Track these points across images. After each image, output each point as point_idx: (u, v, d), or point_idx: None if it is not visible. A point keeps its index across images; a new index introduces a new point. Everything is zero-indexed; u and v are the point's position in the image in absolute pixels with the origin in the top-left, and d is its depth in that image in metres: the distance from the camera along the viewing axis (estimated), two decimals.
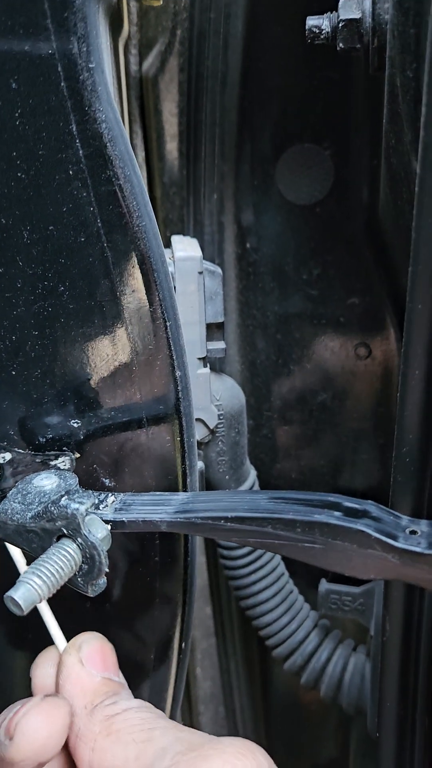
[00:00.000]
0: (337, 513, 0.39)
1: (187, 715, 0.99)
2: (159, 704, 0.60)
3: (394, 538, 0.38)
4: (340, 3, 0.47)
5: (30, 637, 0.52)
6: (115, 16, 0.55)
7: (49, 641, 0.45)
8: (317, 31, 0.48)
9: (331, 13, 0.48)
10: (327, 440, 0.72)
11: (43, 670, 0.44)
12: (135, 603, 0.56)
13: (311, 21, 0.48)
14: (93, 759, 0.39)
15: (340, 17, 0.46)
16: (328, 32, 0.48)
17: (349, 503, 0.40)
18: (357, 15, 0.46)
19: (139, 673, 0.58)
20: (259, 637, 0.75)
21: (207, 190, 0.66)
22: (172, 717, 0.62)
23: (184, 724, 0.98)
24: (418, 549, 0.37)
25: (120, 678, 0.45)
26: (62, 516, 0.40)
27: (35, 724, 0.38)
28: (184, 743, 0.37)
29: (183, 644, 0.60)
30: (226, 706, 0.97)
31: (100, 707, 0.41)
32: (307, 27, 0.48)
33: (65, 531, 0.41)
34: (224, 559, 0.71)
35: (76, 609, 0.52)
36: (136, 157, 0.74)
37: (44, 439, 0.49)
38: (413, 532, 0.39)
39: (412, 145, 0.43)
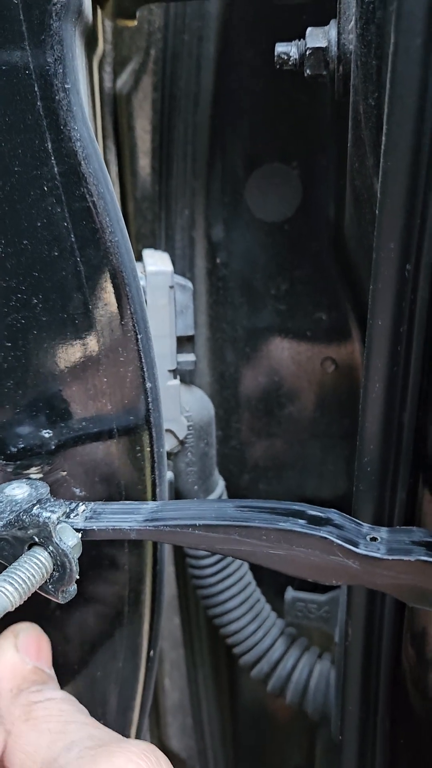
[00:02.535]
0: (301, 521, 0.41)
1: (155, 725, 0.99)
2: (126, 712, 0.61)
3: (355, 544, 0.40)
4: (307, 31, 0.49)
5: None
6: (90, 36, 0.56)
7: None
8: (285, 58, 0.50)
9: (299, 40, 0.50)
10: (294, 451, 0.73)
11: None
12: (104, 611, 0.56)
13: (280, 48, 0.50)
14: (8, 741, 0.39)
15: (308, 45, 0.48)
16: (295, 59, 0.50)
17: (313, 511, 0.42)
18: (323, 44, 0.48)
19: (107, 681, 0.58)
20: (227, 647, 0.76)
21: (178, 205, 0.68)
22: (139, 726, 0.63)
23: (152, 735, 0.98)
24: (377, 555, 0.39)
25: (51, 671, 0.45)
26: (34, 524, 0.41)
27: None
28: (95, 740, 0.38)
29: (151, 652, 0.61)
30: (193, 716, 0.97)
31: (25, 692, 0.41)
32: (275, 53, 0.50)
33: (37, 539, 0.41)
34: (192, 568, 0.72)
35: (45, 616, 0.53)
36: (109, 172, 0.75)
37: (16, 449, 0.49)
38: (373, 539, 0.41)
39: (374, 169, 0.45)
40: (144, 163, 0.73)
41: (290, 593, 0.73)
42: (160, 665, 0.94)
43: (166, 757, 0.38)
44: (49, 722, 0.39)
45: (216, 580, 0.71)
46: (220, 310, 0.70)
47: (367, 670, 0.52)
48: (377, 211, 0.39)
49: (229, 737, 0.92)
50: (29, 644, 0.45)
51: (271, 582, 0.77)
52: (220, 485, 0.72)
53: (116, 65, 0.75)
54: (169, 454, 0.66)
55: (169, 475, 0.66)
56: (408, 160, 0.36)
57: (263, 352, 0.71)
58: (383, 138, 0.37)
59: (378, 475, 0.45)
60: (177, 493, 0.68)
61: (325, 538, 0.39)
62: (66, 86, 0.43)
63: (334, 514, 0.42)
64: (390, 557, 0.39)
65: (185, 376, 0.67)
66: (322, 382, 0.71)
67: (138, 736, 0.63)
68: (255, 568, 0.75)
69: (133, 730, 0.63)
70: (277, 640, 0.74)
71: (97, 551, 0.53)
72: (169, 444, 0.64)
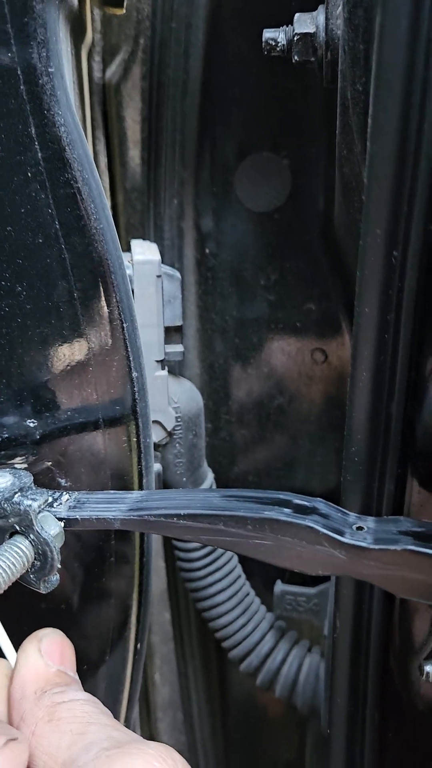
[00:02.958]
0: (286, 510, 0.40)
1: (146, 721, 0.99)
2: (114, 705, 0.61)
3: (341, 533, 0.39)
4: (295, 17, 0.48)
5: None
6: (77, 23, 0.56)
7: None
8: (273, 44, 0.49)
9: (287, 26, 0.50)
10: (283, 443, 0.73)
11: None
12: (89, 603, 0.56)
13: (267, 34, 0.49)
14: (31, 742, 0.39)
15: (295, 31, 0.48)
16: (283, 45, 0.49)
17: (299, 500, 0.41)
18: (311, 29, 0.47)
19: (94, 673, 0.58)
20: (217, 641, 0.76)
21: (167, 195, 0.67)
22: (127, 718, 0.63)
23: (143, 731, 0.98)
24: (363, 544, 0.39)
25: (74, 675, 0.45)
26: (15, 512, 0.41)
27: None
28: (112, 741, 0.38)
29: (138, 645, 0.60)
30: (184, 711, 0.97)
31: (48, 694, 0.42)
32: (263, 39, 0.50)
33: (18, 528, 0.41)
34: (181, 561, 0.71)
35: (29, 608, 0.52)
36: (98, 162, 0.75)
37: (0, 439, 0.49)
38: (360, 528, 0.40)
39: (362, 155, 0.44)
40: (133, 153, 0.72)
41: (279, 586, 0.72)
42: (151, 660, 0.93)
43: (183, 759, 0.38)
44: (72, 723, 0.40)
45: (205, 574, 0.71)
46: (209, 301, 0.70)
47: (356, 663, 0.52)
48: (364, 197, 0.39)
49: (220, 732, 0.92)
50: (53, 649, 0.45)
51: (261, 575, 0.76)
52: (209, 477, 0.71)
53: (106, 55, 0.74)
54: (158, 446, 0.65)
55: (157, 466, 0.65)
56: (394, 145, 0.36)
57: (253, 343, 0.70)
58: (369, 121, 0.36)
59: (366, 465, 0.45)
60: (165, 485, 0.68)
61: (311, 527, 0.39)
62: (49, 70, 0.43)
63: (320, 504, 0.41)
64: (376, 547, 0.39)
65: (174, 367, 0.67)
66: (312, 373, 0.70)
67: None
68: (244, 561, 0.75)
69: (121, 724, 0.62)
70: (266, 633, 0.74)
71: (83, 542, 0.53)
72: (157, 435, 0.64)
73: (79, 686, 0.44)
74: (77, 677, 0.46)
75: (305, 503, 0.41)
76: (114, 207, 0.75)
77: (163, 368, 0.61)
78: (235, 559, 0.74)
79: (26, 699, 0.42)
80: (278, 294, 0.69)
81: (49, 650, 0.45)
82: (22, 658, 0.44)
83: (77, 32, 0.58)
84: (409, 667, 0.50)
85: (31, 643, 0.45)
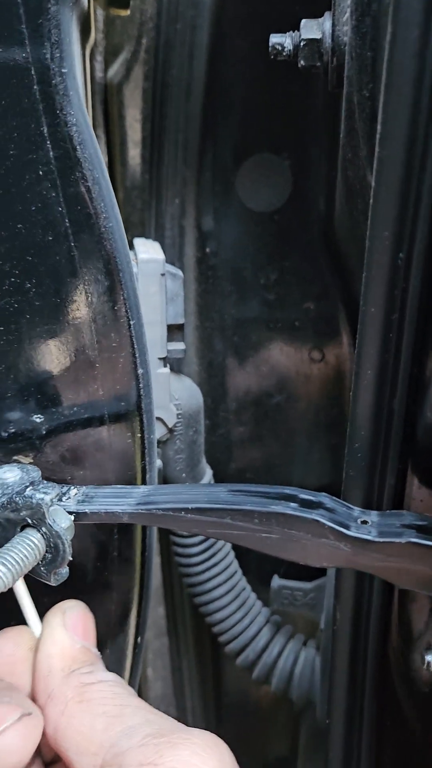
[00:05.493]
0: (293, 504, 0.41)
1: None
2: None
3: (347, 527, 0.40)
4: (301, 23, 0.49)
5: None
6: (85, 23, 0.56)
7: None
8: (280, 49, 0.50)
9: (293, 32, 0.50)
10: (281, 440, 0.74)
11: (3, 650, 0.44)
12: (91, 597, 0.56)
13: (274, 39, 0.50)
14: (60, 722, 0.39)
15: (302, 36, 0.49)
16: (290, 50, 0.50)
17: (305, 495, 0.42)
18: (317, 35, 0.48)
19: None
20: (212, 636, 0.76)
21: (169, 194, 0.68)
22: None
23: None
24: (368, 537, 0.40)
25: (97, 652, 0.45)
26: (27, 506, 0.41)
27: (12, 744, 0.38)
28: (155, 726, 0.37)
29: (138, 639, 0.61)
30: (177, 705, 0.98)
31: (77, 673, 0.41)
32: (270, 44, 0.50)
33: (30, 521, 0.42)
34: (178, 556, 0.72)
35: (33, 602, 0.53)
36: None
37: (6, 434, 0.49)
38: (364, 522, 0.41)
39: (367, 159, 0.45)
40: (134, 152, 0.73)
41: (276, 581, 0.73)
42: (143, 655, 0.94)
43: (228, 748, 0.37)
44: (104, 705, 0.39)
45: (203, 569, 0.72)
46: (209, 299, 0.71)
47: (355, 655, 0.53)
48: (371, 200, 0.40)
49: (213, 726, 0.93)
50: (76, 622, 0.45)
51: (256, 570, 0.77)
52: (208, 473, 0.72)
53: (107, 54, 0.75)
54: (159, 442, 0.66)
55: (158, 462, 0.66)
56: (403, 150, 0.37)
57: (252, 342, 0.71)
58: (379, 127, 0.37)
59: (368, 461, 0.46)
60: (165, 481, 0.68)
61: (317, 521, 0.40)
62: (63, 71, 0.43)
63: (325, 498, 0.42)
64: (381, 539, 0.40)
65: (174, 365, 0.67)
66: (309, 372, 0.71)
67: None
68: (240, 557, 0.76)
69: None
70: (262, 627, 0.75)
71: (86, 537, 0.53)
72: (158, 432, 0.65)
73: (102, 664, 0.44)
74: (99, 654, 0.45)
75: (311, 498, 0.42)
76: None
77: (165, 365, 0.62)
78: (232, 553, 0.75)
79: (53, 676, 0.41)
80: (277, 293, 0.70)
81: (73, 624, 0.44)
82: (47, 631, 0.43)
83: (84, 32, 0.58)
84: (408, 658, 0.52)
85: (55, 616, 0.44)
